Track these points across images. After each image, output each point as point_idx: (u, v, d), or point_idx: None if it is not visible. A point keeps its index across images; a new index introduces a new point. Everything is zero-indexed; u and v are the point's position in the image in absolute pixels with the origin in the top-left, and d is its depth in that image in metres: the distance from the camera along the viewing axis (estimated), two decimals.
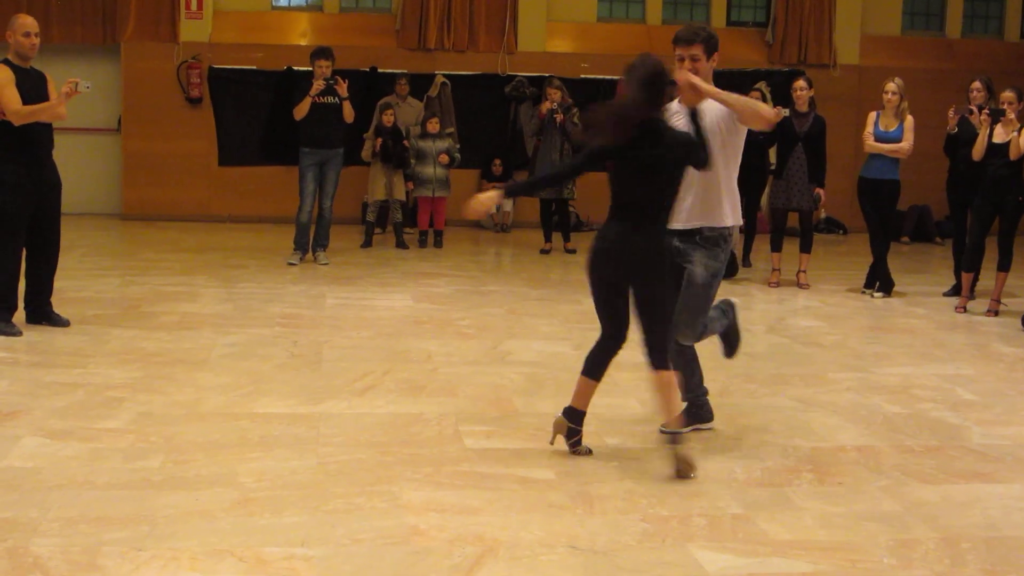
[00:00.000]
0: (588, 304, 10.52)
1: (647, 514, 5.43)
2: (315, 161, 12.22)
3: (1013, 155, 10.55)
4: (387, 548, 4.91)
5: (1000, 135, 10.69)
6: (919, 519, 5.52)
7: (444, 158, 14.03)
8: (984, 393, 8.04)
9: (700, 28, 6.52)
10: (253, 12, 16.28)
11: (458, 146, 14.59)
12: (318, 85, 12.02)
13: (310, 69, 12.25)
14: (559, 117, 13.60)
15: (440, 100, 15.88)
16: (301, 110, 12.07)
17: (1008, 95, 10.84)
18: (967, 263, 11.18)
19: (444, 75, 16.05)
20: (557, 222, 14.12)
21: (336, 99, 12.13)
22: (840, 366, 8.66)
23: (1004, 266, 10.94)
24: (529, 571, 4.74)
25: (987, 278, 11.18)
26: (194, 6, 15.86)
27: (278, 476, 5.73)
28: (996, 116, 10.81)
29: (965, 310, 10.98)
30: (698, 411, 6.75)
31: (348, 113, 12.24)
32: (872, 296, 11.61)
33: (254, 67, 15.91)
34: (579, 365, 8.26)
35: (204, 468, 5.82)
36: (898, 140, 11.33)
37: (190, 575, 4.56)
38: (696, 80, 6.13)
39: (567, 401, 6.71)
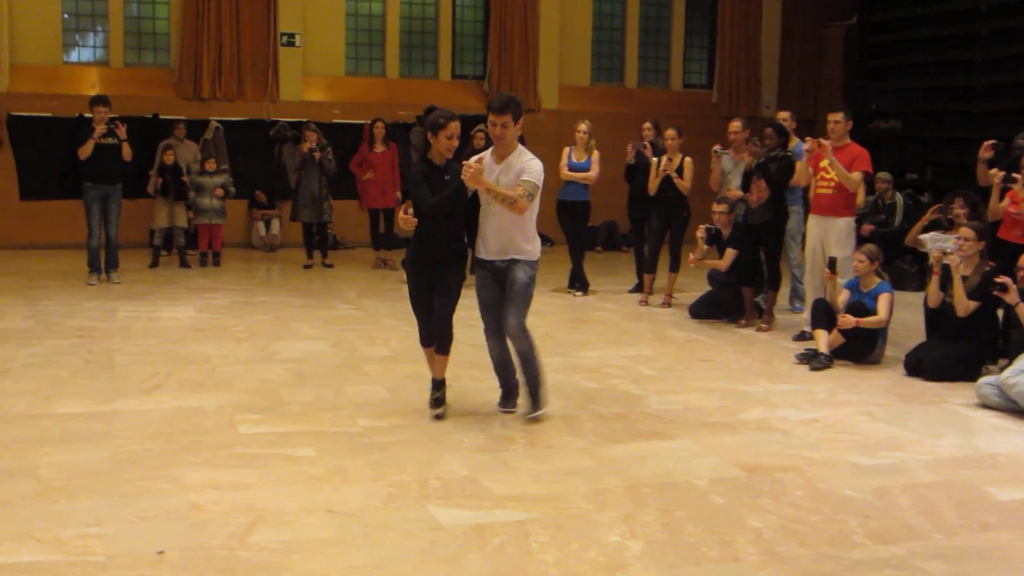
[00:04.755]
0: (344, 309, 10.54)
1: (391, 480, 5.43)
2: (98, 195, 11.72)
3: (683, 190, 11.00)
4: (171, 522, 4.77)
5: (667, 166, 11.07)
6: (610, 472, 5.69)
7: (220, 192, 13.78)
8: (660, 369, 8.32)
9: (510, 100, 6.39)
10: (47, 66, 15.48)
11: (232, 180, 14.29)
12: (100, 129, 11.54)
13: None
14: (317, 155, 13.48)
15: (214, 142, 15.50)
16: (85, 150, 11.55)
17: (670, 132, 11.20)
18: (647, 266, 11.46)
19: (217, 120, 15.66)
20: (317, 242, 13.96)
21: (116, 140, 11.68)
22: (547, 352, 8.71)
23: (674, 267, 11.31)
24: (293, 533, 4.69)
25: (661, 277, 11.55)
26: None
27: (75, 467, 5.49)
28: (661, 153, 11.23)
29: (646, 303, 11.34)
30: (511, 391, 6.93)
31: (127, 152, 11.78)
32: (574, 295, 11.88)
33: (49, 114, 15.17)
34: (335, 360, 8.26)
35: (7, 463, 5.51)
36: (587, 170, 11.63)
37: None
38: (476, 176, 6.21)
39: (326, 390, 6.60)
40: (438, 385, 6.68)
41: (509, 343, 6.61)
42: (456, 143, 6.36)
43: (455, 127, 6.30)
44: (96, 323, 9.54)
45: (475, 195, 6.70)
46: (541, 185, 6.42)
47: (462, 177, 6.22)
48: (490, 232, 6.54)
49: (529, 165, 6.41)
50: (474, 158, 6.36)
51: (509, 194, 6.32)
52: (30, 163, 15.23)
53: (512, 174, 6.38)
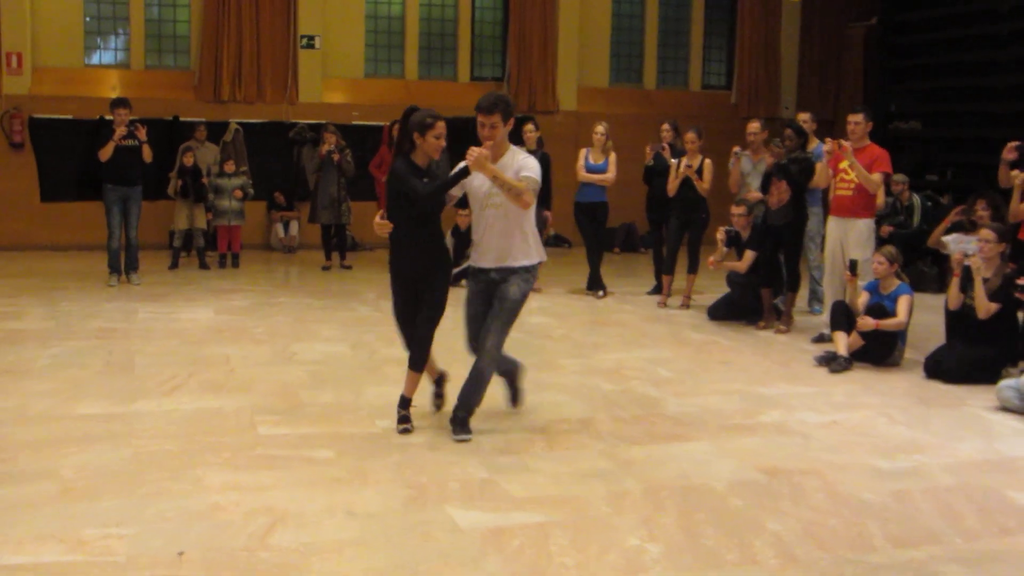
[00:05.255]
0: (363, 311, 10.56)
1: (411, 482, 5.44)
2: (118, 196, 11.78)
3: (702, 191, 10.98)
4: (192, 523, 4.80)
5: (686, 169, 11.03)
6: (628, 474, 5.69)
7: (238, 193, 13.84)
8: (678, 371, 8.31)
9: (499, 99, 6.18)
10: (68, 68, 15.58)
11: (251, 182, 14.34)
12: (120, 131, 11.60)
13: None
14: (336, 156, 13.54)
15: (234, 144, 15.53)
16: (105, 152, 11.61)
17: (690, 136, 11.20)
18: (666, 268, 11.45)
19: (237, 122, 15.71)
20: (336, 243, 14.01)
21: (136, 142, 11.73)
22: (566, 354, 8.82)
23: (693, 269, 11.31)
24: (313, 535, 4.70)
25: (679, 279, 11.51)
26: (15, 63, 15.13)
27: (96, 468, 5.52)
28: (680, 154, 11.21)
29: (665, 305, 11.33)
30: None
31: (147, 154, 11.83)
32: (596, 295, 11.86)
33: (70, 116, 15.25)
34: (354, 362, 8.27)
35: (29, 464, 5.55)
36: (605, 171, 11.64)
37: (16, 559, 4.35)
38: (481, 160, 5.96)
39: (346, 392, 6.58)
40: (405, 403, 6.43)
41: (477, 359, 6.33)
42: (443, 143, 6.16)
43: (443, 127, 6.14)
44: (116, 324, 9.60)
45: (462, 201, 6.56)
46: (541, 181, 6.21)
47: (466, 162, 6.01)
48: (490, 237, 6.26)
49: (527, 162, 6.17)
50: (475, 149, 6.01)
51: (516, 184, 6.02)
52: (51, 165, 15.34)
53: (509, 174, 6.10)
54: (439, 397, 6.80)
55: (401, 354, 8.54)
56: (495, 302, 6.26)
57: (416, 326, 6.33)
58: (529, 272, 6.32)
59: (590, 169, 11.69)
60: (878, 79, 18.00)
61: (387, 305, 10.86)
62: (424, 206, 6.12)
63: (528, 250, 6.31)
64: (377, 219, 6.27)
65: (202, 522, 4.81)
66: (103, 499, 5.06)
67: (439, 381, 6.83)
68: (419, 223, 6.20)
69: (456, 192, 6.29)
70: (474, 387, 6.33)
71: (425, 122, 6.12)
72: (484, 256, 6.32)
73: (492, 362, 6.32)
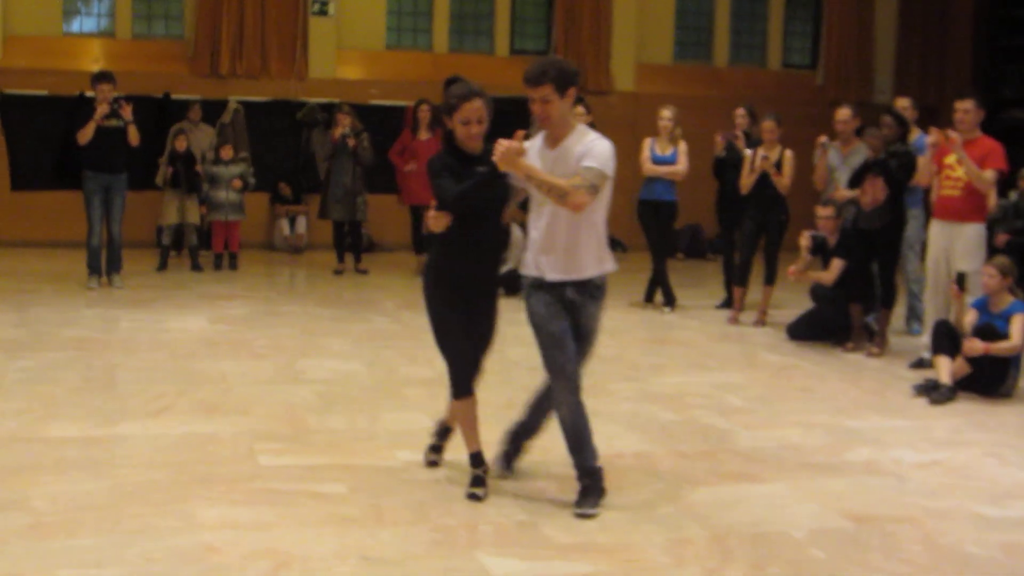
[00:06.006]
0: (380, 322, 10.61)
1: (436, 524, 5.45)
2: (99, 185, 11.87)
3: (781, 189, 10.94)
4: (182, 566, 4.83)
5: (763, 163, 11.00)
6: (691, 519, 5.67)
7: (237, 183, 13.93)
8: (751, 399, 8.30)
9: (548, 66, 5.59)
10: (44, 37, 15.78)
11: (252, 170, 14.43)
12: (102, 109, 11.69)
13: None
14: (351, 142, 13.58)
15: (233, 125, 15.66)
16: (85, 134, 11.70)
17: (768, 124, 11.15)
18: (738, 278, 11.45)
19: (237, 101, 15.85)
20: (350, 243, 14.08)
21: (121, 122, 11.83)
22: (619, 377, 8.80)
23: (770, 280, 11.27)
24: None
25: (754, 291, 11.53)
26: None
27: (72, 499, 5.57)
28: (755, 144, 11.19)
29: (737, 321, 11.30)
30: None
31: (133, 136, 11.91)
32: (663, 312, 11.83)
33: (45, 92, 15.43)
34: (370, 382, 8.31)
35: None
36: (674, 163, 11.62)
37: None
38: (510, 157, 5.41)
39: (360, 417, 6.59)
40: (478, 460, 5.95)
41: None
42: (476, 130, 5.63)
43: (472, 109, 5.60)
44: (96, 334, 9.70)
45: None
46: (611, 174, 5.57)
47: (494, 157, 5.46)
48: (555, 241, 5.66)
49: (595, 147, 5.55)
50: (503, 143, 5.47)
51: (558, 183, 5.43)
52: (23, 149, 15.49)
53: (572, 161, 5.55)
54: (436, 451, 6.39)
55: (425, 374, 8.63)
56: (577, 340, 5.79)
57: (473, 348, 5.91)
58: (602, 288, 5.85)
59: (657, 161, 11.65)
60: (990, 59, 17.88)
61: (409, 316, 11.01)
62: (453, 211, 5.66)
63: (602, 254, 5.78)
64: (431, 212, 5.70)
65: (193, 565, 4.84)
66: (80, 536, 5.10)
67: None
68: (475, 221, 5.72)
69: (517, 184, 5.76)
70: (585, 433, 5.86)
71: (449, 103, 5.66)
72: (550, 266, 5.70)
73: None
